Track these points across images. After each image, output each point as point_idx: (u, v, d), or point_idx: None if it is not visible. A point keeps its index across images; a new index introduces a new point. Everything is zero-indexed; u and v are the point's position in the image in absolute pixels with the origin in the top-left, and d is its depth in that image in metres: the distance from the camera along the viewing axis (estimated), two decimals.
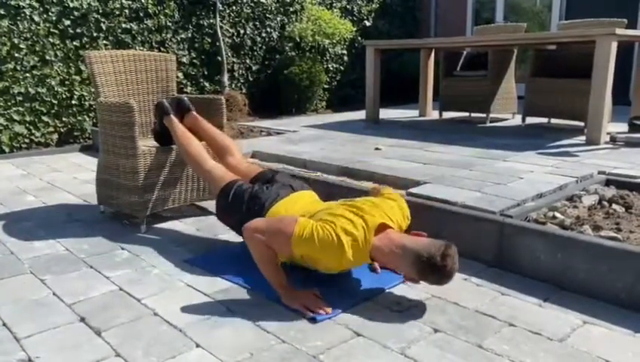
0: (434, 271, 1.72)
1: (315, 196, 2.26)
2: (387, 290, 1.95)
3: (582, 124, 4.49)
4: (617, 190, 2.69)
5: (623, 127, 4.28)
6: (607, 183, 2.82)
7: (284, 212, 2.07)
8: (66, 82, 4.88)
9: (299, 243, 1.78)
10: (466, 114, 5.79)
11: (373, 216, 1.87)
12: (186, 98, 2.80)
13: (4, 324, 1.74)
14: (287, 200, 2.14)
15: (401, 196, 2.10)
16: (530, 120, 5.13)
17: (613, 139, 3.85)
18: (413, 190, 2.62)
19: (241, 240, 2.46)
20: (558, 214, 2.29)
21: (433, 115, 5.86)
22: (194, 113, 2.75)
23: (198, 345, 1.60)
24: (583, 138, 4.04)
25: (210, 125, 2.74)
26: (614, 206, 2.44)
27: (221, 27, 5.99)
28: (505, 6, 7.68)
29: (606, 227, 2.14)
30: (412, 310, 1.81)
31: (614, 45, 3.66)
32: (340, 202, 2.05)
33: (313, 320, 1.73)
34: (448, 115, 5.78)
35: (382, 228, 1.87)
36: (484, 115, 5.32)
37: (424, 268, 1.73)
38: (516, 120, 5.42)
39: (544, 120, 5.16)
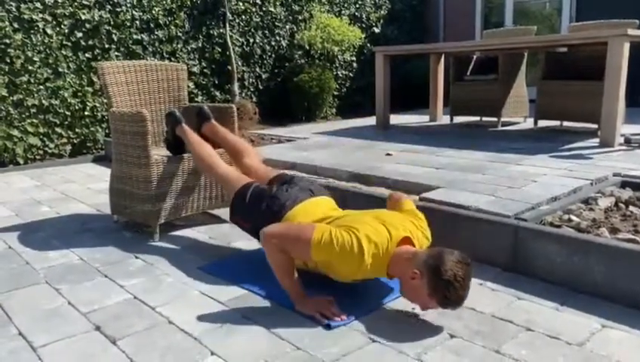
0: (437, 273, 1.64)
1: (333, 203, 2.24)
2: (402, 296, 1.93)
3: (595, 126, 4.45)
4: (634, 192, 2.65)
5: (636, 128, 4.24)
6: (623, 185, 2.79)
7: (304, 214, 2.05)
8: (79, 94, 4.94)
9: (318, 249, 1.77)
10: (477, 118, 5.77)
11: (397, 230, 1.85)
12: (205, 107, 2.83)
13: (21, 333, 1.75)
14: (307, 203, 2.13)
15: (422, 217, 2.08)
16: (542, 123, 5.09)
17: (627, 141, 3.81)
18: (426, 195, 2.60)
19: (254, 247, 2.47)
20: (573, 217, 2.26)
21: (444, 119, 5.84)
22: (213, 121, 2.78)
23: (212, 353, 1.60)
24: (597, 140, 4.00)
25: (228, 132, 2.76)
26: (631, 208, 2.41)
27: (231, 36, 6.03)
28: (514, 10, 7.66)
29: (623, 229, 2.11)
30: (428, 315, 1.80)
31: (627, 46, 3.63)
32: (365, 211, 2.02)
33: (328, 327, 1.72)
34: (459, 119, 5.75)
35: (404, 241, 1.85)
36: (495, 119, 5.29)
37: (429, 271, 1.65)
38: (528, 123, 5.38)
39: (556, 123, 5.12)
